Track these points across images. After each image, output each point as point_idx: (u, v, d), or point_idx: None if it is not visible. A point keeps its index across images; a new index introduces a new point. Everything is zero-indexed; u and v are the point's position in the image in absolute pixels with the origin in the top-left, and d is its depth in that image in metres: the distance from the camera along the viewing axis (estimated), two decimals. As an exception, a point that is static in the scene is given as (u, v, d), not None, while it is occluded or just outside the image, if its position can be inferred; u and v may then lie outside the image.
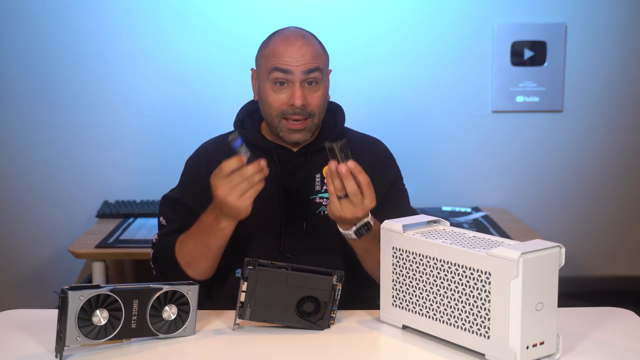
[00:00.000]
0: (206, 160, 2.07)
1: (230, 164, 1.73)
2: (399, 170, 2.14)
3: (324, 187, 2.04)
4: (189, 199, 2.04)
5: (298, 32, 2.01)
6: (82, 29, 3.52)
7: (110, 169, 3.62)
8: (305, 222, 2.02)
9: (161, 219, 2.07)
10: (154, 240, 2.05)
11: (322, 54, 2.00)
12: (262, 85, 1.99)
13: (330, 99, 2.09)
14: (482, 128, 3.65)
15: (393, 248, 1.70)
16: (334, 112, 2.13)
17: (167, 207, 2.07)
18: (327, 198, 2.01)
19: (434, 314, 1.63)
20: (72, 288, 1.54)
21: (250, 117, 2.11)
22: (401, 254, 1.68)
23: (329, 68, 2.06)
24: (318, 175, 2.05)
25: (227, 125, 2.17)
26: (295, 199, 2.03)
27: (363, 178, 1.72)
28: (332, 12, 3.55)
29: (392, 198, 2.07)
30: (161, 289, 1.64)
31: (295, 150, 2.05)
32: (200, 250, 1.89)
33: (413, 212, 2.03)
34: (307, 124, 1.97)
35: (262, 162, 1.75)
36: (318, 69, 1.96)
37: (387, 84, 3.60)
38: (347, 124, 2.14)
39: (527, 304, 1.48)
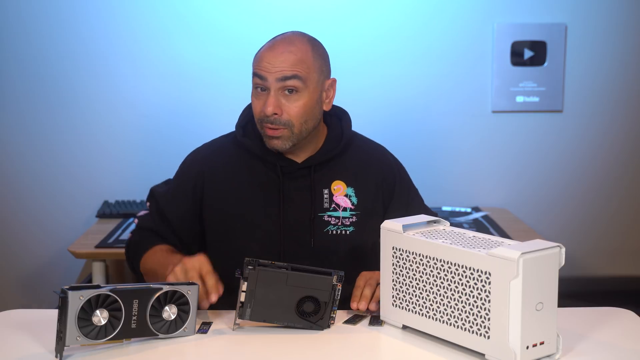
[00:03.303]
0: (200, 168, 2.05)
1: (209, 280, 1.74)
2: (408, 174, 2.17)
3: (333, 205, 2.00)
4: (169, 205, 2.05)
5: (288, 38, 1.93)
6: (82, 29, 3.52)
7: (110, 169, 3.62)
8: (312, 238, 1.99)
9: (148, 204, 2.15)
10: (135, 222, 2.13)
11: (308, 61, 1.90)
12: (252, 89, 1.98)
13: (330, 101, 2.07)
14: (482, 128, 3.65)
15: (393, 248, 1.70)
16: (340, 117, 2.08)
17: (152, 202, 2.11)
18: (336, 217, 2.00)
19: (434, 314, 1.63)
20: (72, 288, 1.54)
21: (252, 122, 2.06)
22: (401, 254, 1.68)
23: (332, 77, 2.00)
24: (326, 191, 2.01)
25: (226, 125, 2.16)
26: (300, 213, 1.99)
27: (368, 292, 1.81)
28: (332, 12, 3.55)
29: (414, 200, 2.12)
30: (161, 289, 1.64)
31: (299, 162, 2.00)
32: (155, 278, 1.93)
33: (429, 208, 2.14)
34: (283, 132, 1.91)
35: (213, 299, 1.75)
36: (296, 77, 1.88)
37: (387, 84, 3.60)
38: None
39: (527, 304, 1.48)
